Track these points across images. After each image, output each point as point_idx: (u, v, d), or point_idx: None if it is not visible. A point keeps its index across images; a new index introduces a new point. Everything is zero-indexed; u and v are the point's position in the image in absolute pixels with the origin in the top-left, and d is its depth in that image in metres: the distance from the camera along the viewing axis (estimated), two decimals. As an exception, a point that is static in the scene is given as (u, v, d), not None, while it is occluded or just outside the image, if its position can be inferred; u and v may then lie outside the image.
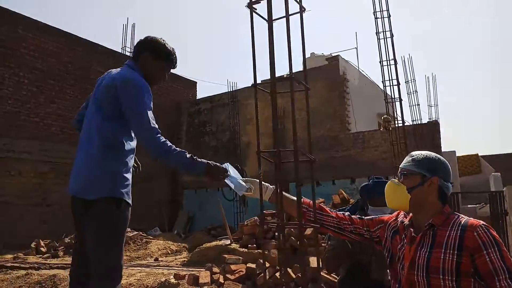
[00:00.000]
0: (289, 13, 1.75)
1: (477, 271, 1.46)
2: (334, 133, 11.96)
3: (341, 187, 8.82)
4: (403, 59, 16.70)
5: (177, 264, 6.44)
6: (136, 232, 8.52)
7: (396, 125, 8.04)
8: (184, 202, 14.70)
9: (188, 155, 2.11)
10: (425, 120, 14.46)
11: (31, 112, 11.28)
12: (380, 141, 11.14)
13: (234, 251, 5.47)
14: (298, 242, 5.08)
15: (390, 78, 7.63)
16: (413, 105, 13.23)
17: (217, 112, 14.99)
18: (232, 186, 2.07)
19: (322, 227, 1.88)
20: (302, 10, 1.81)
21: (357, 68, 14.30)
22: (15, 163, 10.73)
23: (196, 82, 17.15)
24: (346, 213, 1.93)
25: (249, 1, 1.76)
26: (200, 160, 2.14)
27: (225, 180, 2.13)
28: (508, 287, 1.40)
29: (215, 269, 4.12)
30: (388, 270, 2.19)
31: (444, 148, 10.55)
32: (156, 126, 2.10)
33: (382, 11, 7.80)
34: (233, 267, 3.95)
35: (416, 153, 1.74)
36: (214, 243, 6.53)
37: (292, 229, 4.37)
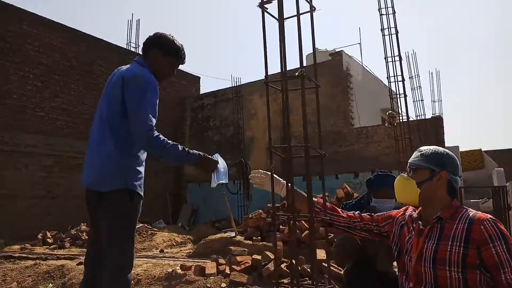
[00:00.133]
0: (300, 12, 1.80)
1: (483, 263, 1.48)
2: (338, 128, 12.00)
3: (344, 182, 8.88)
4: (407, 54, 16.67)
5: (182, 255, 6.53)
6: (141, 224, 8.61)
7: (401, 120, 8.08)
8: (188, 195, 14.81)
9: (180, 148, 2.16)
10: (428, 115, 14.47)
11: (36, 106, 11.37)
12: (383, 136, 11.18)
13: (239, 243, 5.55)
14: (303, 235, 5.16)
15: (395, 74, 7.65)
16: (417, 101, 13.24)
17: (221, 107, 15.02)
18: (214, 179, 2.26)
19: (333, 227, 1.92)
20: (312, 9, 1.86)
21: (361, 63, 14.30)
22: (21, 157, 10.85)
23: (199, 77, 17.19)
24: (357, 212, 1.97)
25: (260, 1, 1.81)
26: (192, 151, 2.21)
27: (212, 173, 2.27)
28: None
29: (221, 261, 4.18)
30: (394, 263, 2.26)
31: (447, 143, 10.59)
32: (153, 122, 2.12)
33: (387, 7, 7.81)
34: (239, 258, 4.02)
35: (425, 148, 1.76)
36: (219, 235, 6.62)
37: (297, 223, 4.45)
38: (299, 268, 3.76)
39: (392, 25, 7.69)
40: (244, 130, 13.93)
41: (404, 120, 7.78)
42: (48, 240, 8.31)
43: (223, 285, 3.65)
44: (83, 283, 2.30)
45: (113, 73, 2.40)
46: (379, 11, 7.90)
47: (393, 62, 7.69)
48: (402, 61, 7.74)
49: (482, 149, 12.60)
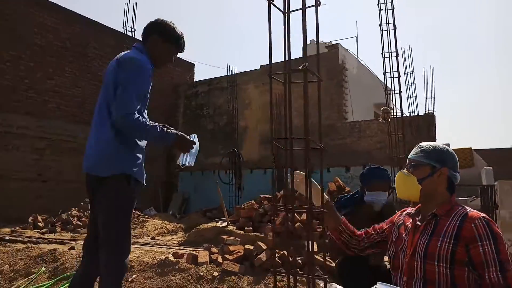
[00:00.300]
0: (306, 6, 1.81)
1: (470, 261, 1.51)
2: (331, 121, 12.01)
3: (336, 175, 8.95)
4: (403, 50, 16.73)
5: (174, 243, 6.56)
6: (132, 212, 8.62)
7: (394, 116, 8.15)
8: (179, 184, 14.79)
9: (159, 128, 2.18)
10: (421, 112, 14.59)
11: (29, 88, 11.22)
12: (376, 131, 11.24)
13: (231, 233, 5.59)
14: (296, 226, 5.21)
15: (391, 70, 7.68)
16: (410, 97, 13.34)
17: (215, 95, 14.94)
18: (183, 158, 2.42)
19: (347, 248, 1.97)
20: (317, 3, 1.87)
21: (356, 57, 14.30)
22: (13, 138, 10.74)
23: (194, 64, 17.06)
24: (363, 230, 2.01)
25: (267, -7, 1.81)
26: (171, 131, 2.24)
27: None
28: (497, 279, 1.44)
29: (214, 249, 4.22)
30: (385, 257, 2.30)
31: (438, 141, 10.71)
32: (135, 106, 2.11)
33: (386, 3, 7.80)
34: (231, 247, 4.05)
35: (425, 144, 1.76)
36: (211, 224, 6.65)
37: (288, 214, 4.48)
38: (291, 259, 3.81)
39: (391, 20, 7.69)
40: (238, 120, 13.90)
41: (398, 116, 7.84)
42: (39, 223, 8.28)
43: (215, 273, 3.68)
44: (81, 266, 2.33)
45: (111, 61, 2.41)
46: (378, 6, 7.88)
47: (390, 58, 7.70)
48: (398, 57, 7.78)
49: (472, 148, 12.75)
